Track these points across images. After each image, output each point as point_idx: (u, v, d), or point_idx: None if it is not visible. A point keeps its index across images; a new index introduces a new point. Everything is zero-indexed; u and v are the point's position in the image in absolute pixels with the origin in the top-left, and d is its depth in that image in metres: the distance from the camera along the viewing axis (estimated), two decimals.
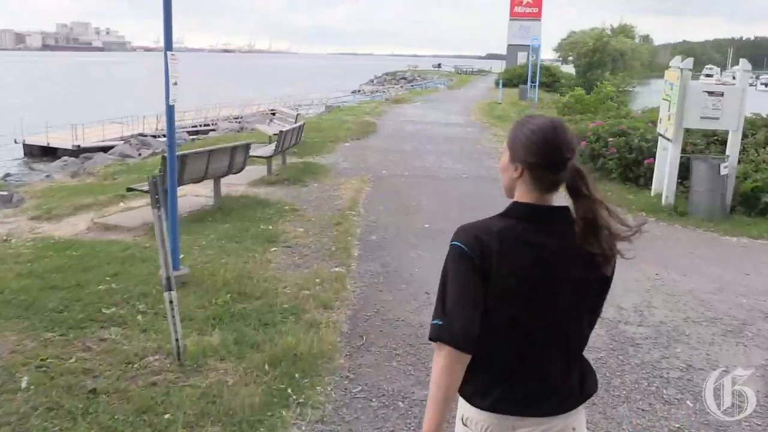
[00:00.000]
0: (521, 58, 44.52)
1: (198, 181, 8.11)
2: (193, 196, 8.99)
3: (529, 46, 36.48)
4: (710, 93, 8.65)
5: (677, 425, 3.55)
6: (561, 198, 1.72)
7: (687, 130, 9.13)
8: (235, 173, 8.78)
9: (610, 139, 10.70)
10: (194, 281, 5.36)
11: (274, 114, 20.45)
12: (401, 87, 49.66)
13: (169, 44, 4.92)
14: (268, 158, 10.39)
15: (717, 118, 8.65)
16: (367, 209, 8.39)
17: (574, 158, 1.66)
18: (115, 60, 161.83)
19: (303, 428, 3.37)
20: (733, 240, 7.74)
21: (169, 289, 3.89)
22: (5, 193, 9.54)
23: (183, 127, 26.18)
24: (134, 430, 3.27)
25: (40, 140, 23.22)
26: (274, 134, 12.15)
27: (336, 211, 8.25)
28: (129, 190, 7.81)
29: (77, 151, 21.48)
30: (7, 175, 17.07)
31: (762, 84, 64.57)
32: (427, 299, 5.13)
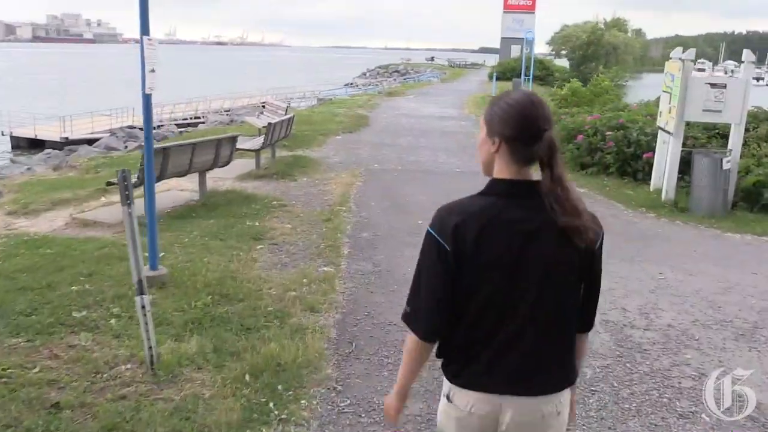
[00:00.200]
0: (515, 51, 44.25)
1: (182, 175, 7.78)
2: (178, 190, 8.67)
3: (522, 39, 36.09)
4: (713, 85, 8.38)
5: None
6: None
7: (687, 124, 8.87)
8: (221, 167, 8.45)
9: (608, 132, 10.43)
10: (174, 282, 5.04)
11: (264, 106, 20.10)
12: (394, 80, 49.25)
13: (145, 29, 4.58)
14: (257, 151, 10.05)
15: (719, 111, 8.39)
16: (358, 205, 8.08)
17: (551, 130, 1.65)
18: (105, 52, 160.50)
19: None
20: (736, 237, 7.48)
21: (141, 293, 3.57)
22: None
23: (173, 120, 25.85)
24: None
25: (28, 132, 22.83)
26: (263, 127, 11.82)
27: (326, 206, 7.94)
28: (109, 184, 7.47)
29: (65, 143, 21.11)
30: None
31: (753, 78, 64.39)
32: None
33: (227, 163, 8.49)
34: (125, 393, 3.44)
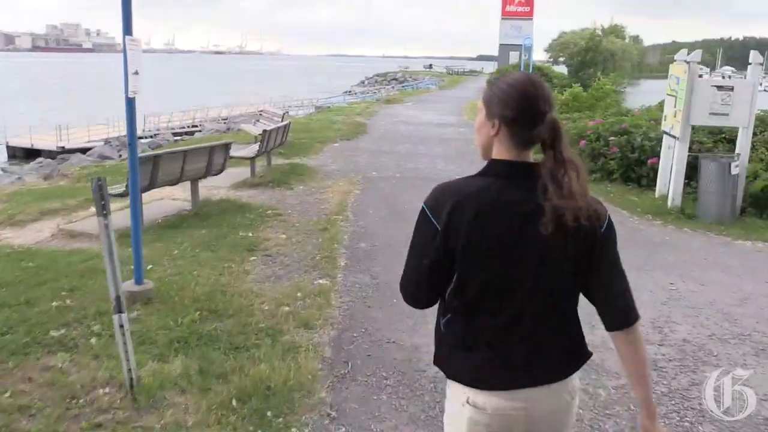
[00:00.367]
0: (513, 57, 44.03)
1: (173, 184, 7.53)
2: (171, 199, 8.41)
3: (521, 45, 36.00)
4: (719, 87, 8.14)
5: None
6: None
7: (693, 128, 8.63)
8: (215, 175, 8.20)
9: (612, 138, 10.18)
10: (160, 297, 4.77)
11: (261, 114, 19.90)
12: (392, 87, 49.09)
13: (128, 28, 4.33)
14: (252, 159, 9.80)
15: (726, 114, 8.14)
16: (355, 214, 7.82)
17: (552, 112, 1.60)
18: (104, 61, 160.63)
19: None
20: (747, 245, 7.22)
21: (119, 310, 3.31)
22: None
23: (170, 128, 25.69)
24: None
25: (24, 142, 22.65)
26: (259, 134, 11.57)
27: (322, 215, 7.68)
28: None
29: (61, 153, 20.90)
30: None
31: None
32: (422, 317, 4.56)
33: (220, 171, 8.24)
34: (101, 421, 3.18)
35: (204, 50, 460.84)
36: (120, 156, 17.81)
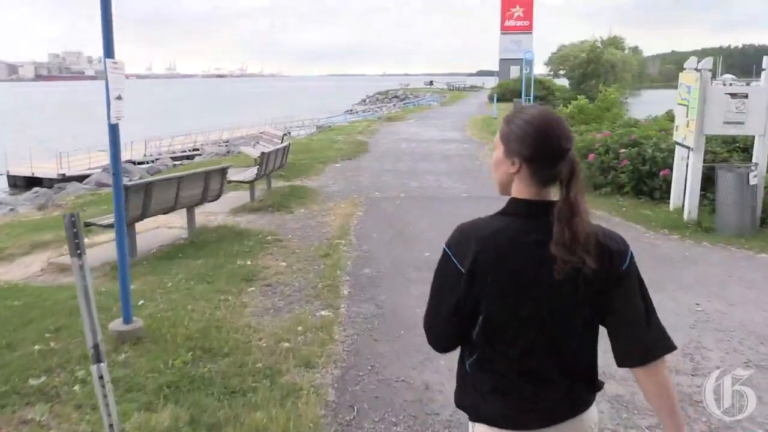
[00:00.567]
0: (514, 72, 43.99)
1: (167, 212, 7.23)
2: (166, 227, 8.11)
3: (521, 59, 35.87)
4: (733, 95, 7.83)
5: None
6: None
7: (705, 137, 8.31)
8: (211, 201, 7.91)
9: (622, 150, 9.87)
10: (151, 336, 4.45)
11: (261, 136, 19.69)
12: (394, 105, 49.00)
13: (109, 51, 4.05)
14: (251, 183, 9.51)
15: (742, 123, 7.84)
16: (358, 237, 7.50)
17: (573, 149, 1.57)
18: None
19: None
20: None
21: (98, 360, 2.98)
22: None
23: (171, 153, 25.52)
24: None
25: (24, 170, 22.42)
26: (258, 157, 11.30)
27: (324, 240, 7.36)
28: (86, 225, 6.91)
29: (62, 180, 20.70)
30: None
31: None
32: (431, 350, 4.23)
33: (217, 196, 7.95)
34: None
35: (205, 74, 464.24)
36: (129, 180, 17.54)
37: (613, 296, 1.58)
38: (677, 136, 8.70)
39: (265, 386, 3.73)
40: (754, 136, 8.16)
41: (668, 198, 9.06)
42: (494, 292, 1.56)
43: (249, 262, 6.39)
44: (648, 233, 7.88)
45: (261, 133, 21.98)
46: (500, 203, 1.64)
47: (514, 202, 1.61)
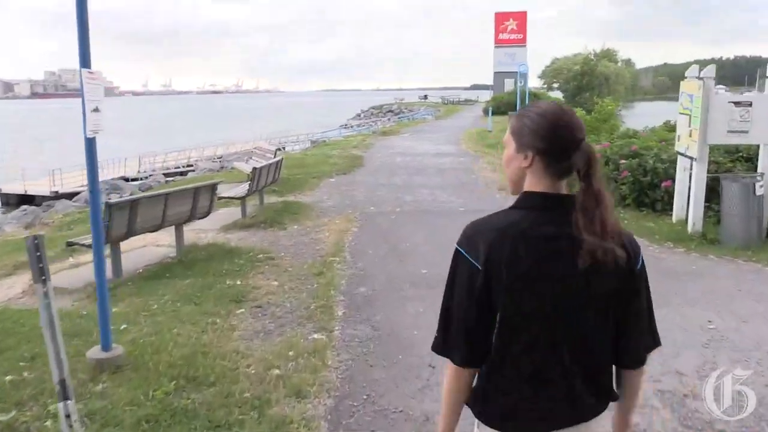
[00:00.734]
0: (508, 85, 43.99)
1: (154, 230, 6.96)
2: (154, 246, 7.84)
3: (515, 73, 35.86)
4: (737, 103, 7.63)
5: None
6: None
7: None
8: (200, 218, 7.64)
9: (622, 161, 9.65)
10: (132, 363, 4.18)
11: (255, 151, 19.49)
12: (389, 120, 48.90)
13: (85, 61, 3.81)
14: (242, 199, 9.26)
15: (746, 132, 7.62)
16: (353, 254, 7.23)
17: (586, 139, 1.54)
18: (102, 105, 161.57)
19: None
20: None
21: (65, 397, 2.72)
22: None
23: (165, 169, 25.31)
24: None
25: (17, 188, 22.15)
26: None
27: (318, 257, 7.10)
28: (69, 244, 6.65)
29: (55, 198, 20.42)
30: None
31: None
32: (432, 375, 3.96)
33: (207, 213, 7.68)
34: None
35: (201, 90, 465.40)
36: (109, 199, 17.31)
37: (625, 295, 1.57)
38: (679, 146, 8.49)
39: (252, 419, 3.46)
40: (758, 146, 7.96)
41: (671, 210, 8.84)
42: (512, 289, 1.50)
43: (239, 282, 6.13)
44: (652, 246, 7.64)
45: (255, 148, 21.79)
46: None
47: (527, 195, 1.58)
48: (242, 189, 9.62)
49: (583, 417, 1.58)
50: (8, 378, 3.99)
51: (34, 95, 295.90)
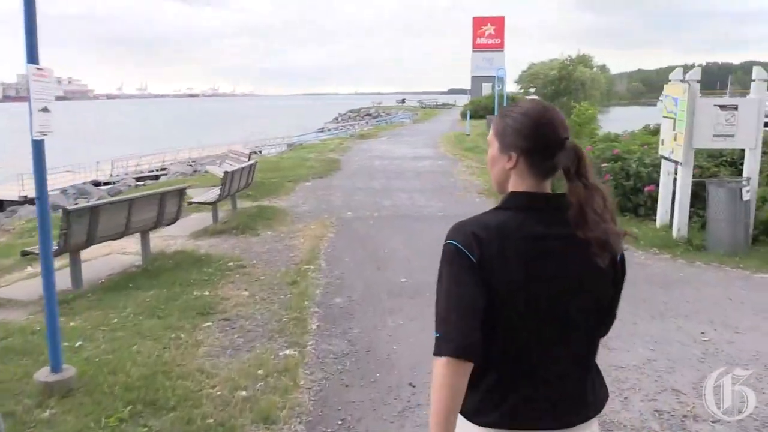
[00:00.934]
0: (486, 89, 44.02)
1: (118, 237, 6.57)
2: (120, 253, 7.43)
3: (493, 77, 35.83)
4: (722, 107, 7.47)
5: None
6: None
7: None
8: (168, 225, 7.26)
9: (604, 165, 9.44)
10: (85, 386, 3.81)
11: (228, 155, 19.07)
12: (366, 123, 48.62)
13: (32, 56, 3.45)
14: (213, 204, 8.88)
15: (732, 135, 7.46)
16: (329, 262, 6.91)
17: (571, 137, 1.51)
18: (76, 108, 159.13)
19: None
20: None
21: None
22: None
23: (138, 173, 24.74)
24: None
25: None
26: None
27: (291, 265, 6.76)
28: (24, 254, 6.22)
29: (24, 203, 19.76)
30: None
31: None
32: (412, 396, 3.66)
33: (174, 220, 7.30)
34: None
35: (177, 93, 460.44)
36: (76, 204, 16.74)
37: (612, 290, 1.56)
38: (663, 150, 8.31)
39: None
40: (742, 150, 7.81)
41: (654, 214, 8.66)
42: (502, 288, 1.45)
43: (207, 293, 5.77)
44: (637, 252, 7.42)
45: (229, 151, 21.36)
46: None
47: (512, 195, 1.54)
48: (213, 194, 9.24)
49: (584, 417, 1.55)
50: None
51: (6, 98, 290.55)
